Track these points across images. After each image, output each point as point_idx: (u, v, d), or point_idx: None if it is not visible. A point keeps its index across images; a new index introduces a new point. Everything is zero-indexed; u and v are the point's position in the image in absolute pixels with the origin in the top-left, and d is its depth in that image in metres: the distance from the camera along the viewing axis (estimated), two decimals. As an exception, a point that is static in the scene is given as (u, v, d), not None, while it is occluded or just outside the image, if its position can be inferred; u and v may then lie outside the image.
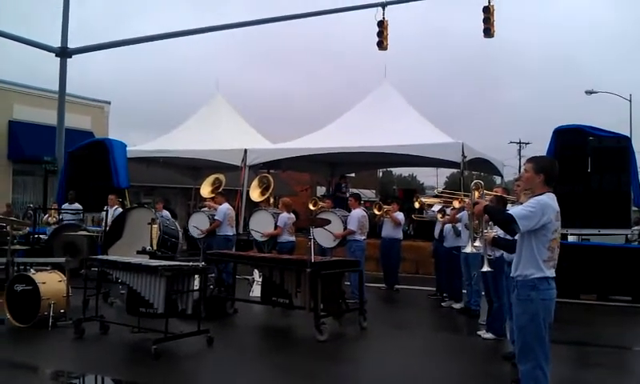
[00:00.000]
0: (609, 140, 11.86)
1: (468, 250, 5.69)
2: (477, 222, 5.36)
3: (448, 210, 10.49)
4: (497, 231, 5.40)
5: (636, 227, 15.45)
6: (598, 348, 8.03)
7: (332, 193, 19.51)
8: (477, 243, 5.39)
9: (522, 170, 5.22)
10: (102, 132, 23.60)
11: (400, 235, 12.60)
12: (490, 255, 5.55)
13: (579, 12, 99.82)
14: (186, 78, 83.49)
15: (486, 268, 5.48)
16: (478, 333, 8.23)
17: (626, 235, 12.76)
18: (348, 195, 16.05)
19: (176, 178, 23.45)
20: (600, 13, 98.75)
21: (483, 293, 8.52)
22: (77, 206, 13.96)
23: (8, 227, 9.43)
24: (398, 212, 12.47)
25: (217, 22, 17.03)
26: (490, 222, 5.24)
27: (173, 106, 60.71)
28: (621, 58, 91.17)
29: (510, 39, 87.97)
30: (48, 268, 8.76)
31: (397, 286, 12.52)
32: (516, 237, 4.68)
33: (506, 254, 6.33)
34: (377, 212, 12.88)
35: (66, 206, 14.19)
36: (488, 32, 15.19)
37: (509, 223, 4.48)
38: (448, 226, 10.41)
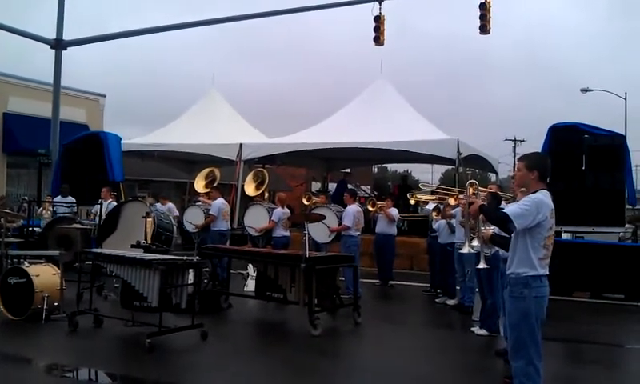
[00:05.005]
0: (604, 138, 11.88)
1: (465, 250, 5.65)
2: (473, 221, 5.36)
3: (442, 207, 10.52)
4: (494, 228, 5.41)
5: (629, 225, 15.48)
6: (591, 345, 8.07)
7: (335, 191, 19.04)
8: (474, 243, 5.39)
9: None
10: (97, 125, 23.48)
11: (394, 231, 12.61)
12: (487, 253, 5.54)
13: (562, 14, 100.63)
14: (180, 73, 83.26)
15: (482, 265, 5.48)
16: (472, 329, 8.25)
17: (618, 234, 12.76)
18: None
19: (171, 172, 23.37)
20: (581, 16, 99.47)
21: (477, 289, 8.55)
22: (70, 199, 13.92)
23: (2, 219, 9.40)
24: (393, 208, 12.49)
25: (210, 17, 16.87)
26: (487, 220, 5.23)
27: (168, 101, 60.56)
28: (604, 57, 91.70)
29: (493, 41, 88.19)
30: (42, 261, 8.71)
31: (391, 282, 12.54)
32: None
33: (501, 251, 6.32)
34: (371, 208, 12.88)
35: (59, 198, 14.14)
36: (484, 29, 15.11)
37: (504, 222, 4.49)
38: (442, 222, 10.43)
